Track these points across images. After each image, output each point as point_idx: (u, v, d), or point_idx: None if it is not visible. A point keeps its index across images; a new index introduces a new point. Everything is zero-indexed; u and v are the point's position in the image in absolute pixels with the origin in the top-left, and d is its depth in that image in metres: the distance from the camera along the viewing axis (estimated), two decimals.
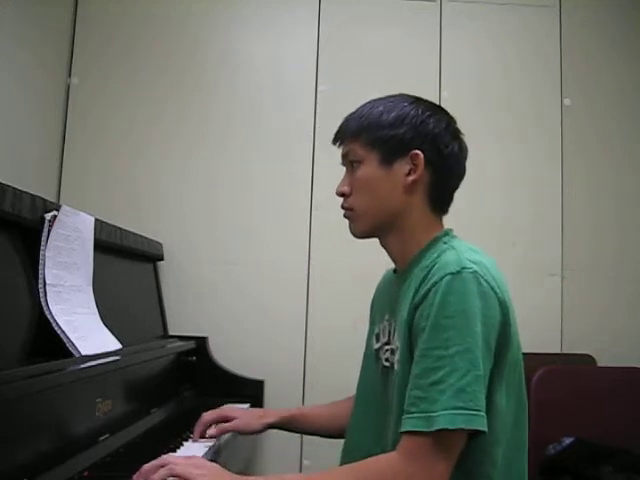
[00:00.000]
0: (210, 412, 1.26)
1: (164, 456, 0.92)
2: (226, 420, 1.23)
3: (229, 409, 1.30)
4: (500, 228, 2.17)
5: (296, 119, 2.18)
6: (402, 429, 0.86)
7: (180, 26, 2.21)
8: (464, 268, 0.89)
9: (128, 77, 2.18)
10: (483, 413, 0.84)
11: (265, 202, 2.16)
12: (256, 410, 1.30)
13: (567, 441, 1.78)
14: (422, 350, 0.88)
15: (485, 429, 0.84)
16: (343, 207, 1.06)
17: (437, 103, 1.08)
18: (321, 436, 1.26)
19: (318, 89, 2.20)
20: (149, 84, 2.18)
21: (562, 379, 1.90)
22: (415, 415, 0.85)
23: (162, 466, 0.87)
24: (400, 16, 2.25)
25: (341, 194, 1.06)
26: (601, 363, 2.08)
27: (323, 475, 0.91)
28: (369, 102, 1.06)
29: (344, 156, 1.06)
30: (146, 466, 0.89)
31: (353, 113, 1.06)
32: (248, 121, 2.18)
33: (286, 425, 1.24)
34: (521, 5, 2.27)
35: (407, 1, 2.25)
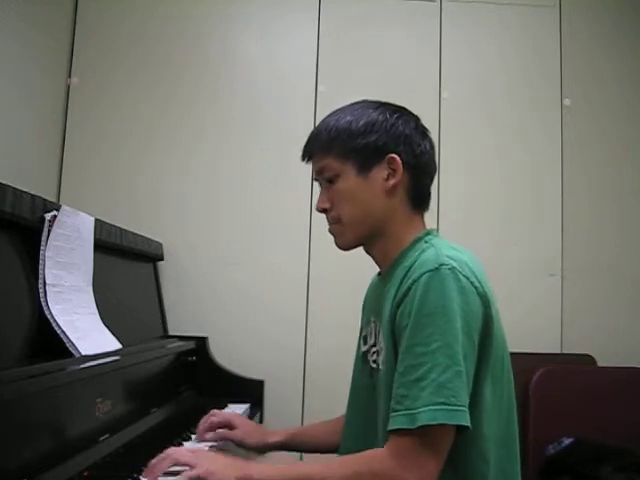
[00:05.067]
0: (219, 414, 1.26)
1: (168, 450, 0.94)
2: (230, 427, 1.23)
3: (238, 418, 1.27)
4: (500, 228, 2.16)
5: (296, 119, 2.18)
6: (389, 428, 0.86)
7: (180, 26, 2.21)
8: (442, 265, 0.89)
9: (128, 77, 2.18)
10: (465, 408, 0.84)
11: (265, 202, 2.16)
12: (262, 427, 1.30)
13: (567, 441, 1.78)
14: (405, 348, 0.88)
15: (468, 424, 0.84)
16: (329, 222, 1.05)
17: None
18: (322, 452, 1.24)
19: (318, 89, 2.20)
20: (149, 84, 2.18)
21: (562, 379, 1.90)
22: (400, 413, 0.85)
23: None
24: (400, 16, 2.25)
25: (322, 210, 1.05)
26: (601, 363, 2.08)
27: (323, 466, 0.90)
28: (333, 113, 1.05)
29: (318, 172, 1.05)
30: (153, 461, 0.93)
31: (320, 126, 1.05)
32: (248, 121, 2.19)
33: (289, 444, 1.24)
34: (521, 5, 2.27)
35: (407, 1, 2.25)
